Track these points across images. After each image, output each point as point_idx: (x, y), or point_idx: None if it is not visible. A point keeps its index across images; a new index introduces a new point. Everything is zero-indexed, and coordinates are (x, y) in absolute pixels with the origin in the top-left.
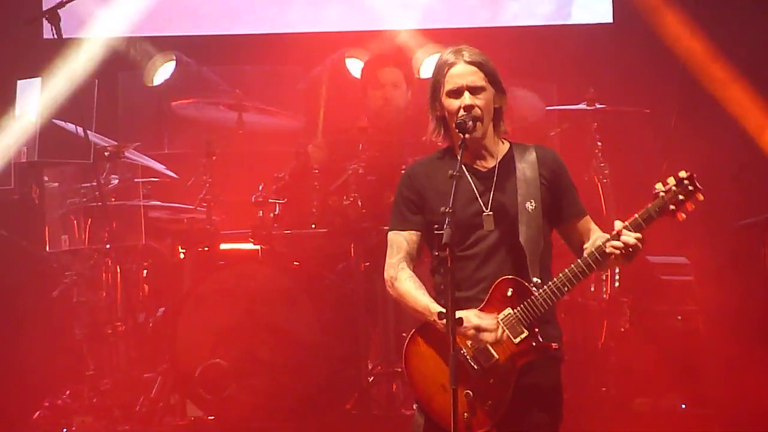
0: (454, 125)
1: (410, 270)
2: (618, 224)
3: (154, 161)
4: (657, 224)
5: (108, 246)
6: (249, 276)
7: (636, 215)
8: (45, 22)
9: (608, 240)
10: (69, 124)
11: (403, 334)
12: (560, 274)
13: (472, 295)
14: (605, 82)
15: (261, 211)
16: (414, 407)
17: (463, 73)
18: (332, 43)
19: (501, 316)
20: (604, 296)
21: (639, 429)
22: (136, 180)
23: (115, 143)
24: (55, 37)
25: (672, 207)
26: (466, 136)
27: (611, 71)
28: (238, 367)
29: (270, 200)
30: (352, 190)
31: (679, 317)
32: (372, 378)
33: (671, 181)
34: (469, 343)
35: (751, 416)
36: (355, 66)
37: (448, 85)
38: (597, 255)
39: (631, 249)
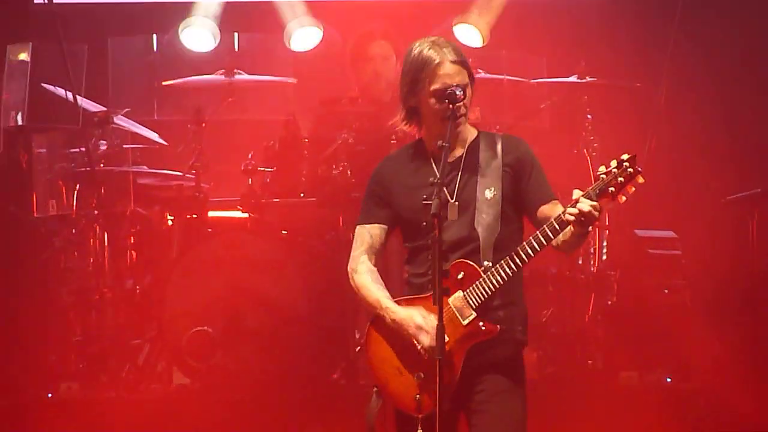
0: (444, 95)
1: (371, 263)
2: (576, 192)
3: (144, 128)
4: (643, 198)
5: (96, 212)
6: (237, 244)
7: (577, 197)
8: None
9: (566, 208)
10: (58, 89)
11: None
12: (512, 252)
13: (425, 271)
14: (596, 56)
15: (250, 180)
16: (374, 390)
17: (451, 73)
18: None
19: (451, 299)
20: (592, 269)
21: (625, 402)
22: (125, 146)
23: (105, 109)
24: (46, 1)
25: (612, 189)
26: (453, 126)
27: (602, 45)
28: (225, 336)
29: (259, 168)
30: (341, 160)
31: (666, 291)
32: (359, 348)
33: (613, 163)
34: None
35: (736, 391)
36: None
37: (436, 84)
38: (555, 224)
39: (584, 217)
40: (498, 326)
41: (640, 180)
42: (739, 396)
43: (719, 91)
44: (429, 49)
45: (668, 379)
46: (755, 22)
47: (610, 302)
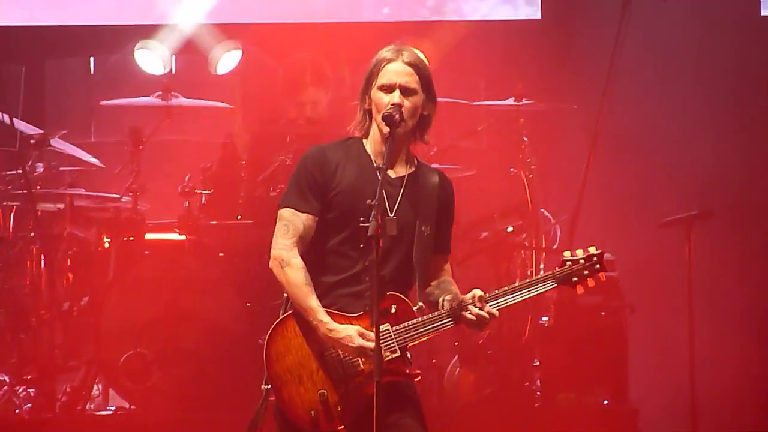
0: (380, 117)
1: (301, 258)
2: (477, 292)
3: (81, 150)
4: (579, 219)
5: (32, 234)
6: (174, 266)
7: (538, 277)
8: None
9: (468, 304)
10: None
11: None
12: (436, 313)
13: (358, 290)
14: (533, 78)
15: (187, 202)
16: (263, 388)
17: (399, 71)
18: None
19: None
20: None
21: (562, 424)
22: (62, 168)
23: (42, 131)
24: None
25: (575, 279)
26: (393, 129)
27: (539, 67)
28: (161, 357)
29: (196, 191)
30: (279, 181)
31: (603, 313)
32: None
33: (580, 253)
34: (340, 350)
35: (674, 412)
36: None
37: (382, 79)
38: (456, 313)
39: (482, 323)
40: (418, 371)
41: (603, 278)
42: (676, 417)
43: (656, 112)
44: (389, 50)
45: (605, 401)
46: (693, 45)
47: (547, 324)
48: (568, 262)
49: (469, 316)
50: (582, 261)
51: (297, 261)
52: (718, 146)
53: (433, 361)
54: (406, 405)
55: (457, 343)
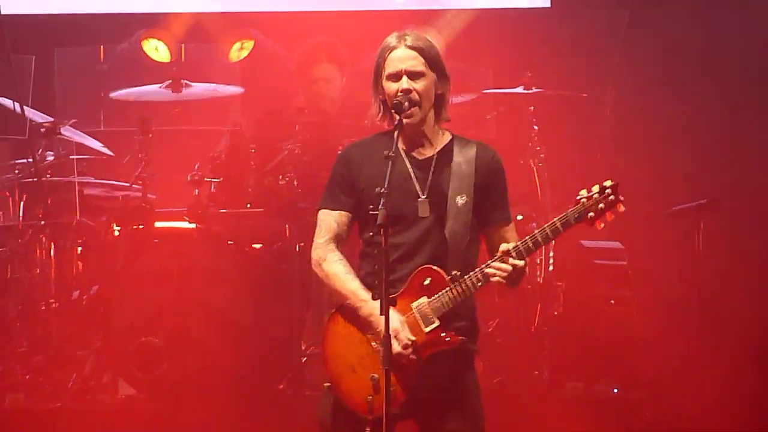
0: (391, 106)
1: (339, 252)
2: (504, 246)
3: (91, 138)
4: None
5: (42, 222)
6: (183, 255)
7: (555, 219)
8: None
9: (489, 262)
10: (5, 99)
11: None
12: (481, 268)
13: (395, 278)
14: (542, 67)
15: (197, 190)
16: (325, 386)
17: (403, 57)
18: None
19: (415, 304)
20: (538, 280)
21: (571, 413)
22: (71, 157)
23: (51, 119)
24: None
25: (591, 214)
26: (403, 118)
27: (549, 56)
28: (170, 346)
29: (206, 179)
30: (288, 170)
31: (613, 302)
32: (305, 359)
33: (595, 188)
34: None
35: (683, 401)
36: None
37: (389, 68)
38: (483, 270)
39: (510, 276)
40: (460, 337)
41: (621, 209)
42: (685, 406)
43: (665, 100)
44: (392, 37)
45: (615, 390)
46: (705, 32)
47: (556, 312)
48: (583, 200)
49: (494, 270)
50: (596, 195)
51: (333, 255)
52: (730, 134)
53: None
54: (466, 407)
55: None
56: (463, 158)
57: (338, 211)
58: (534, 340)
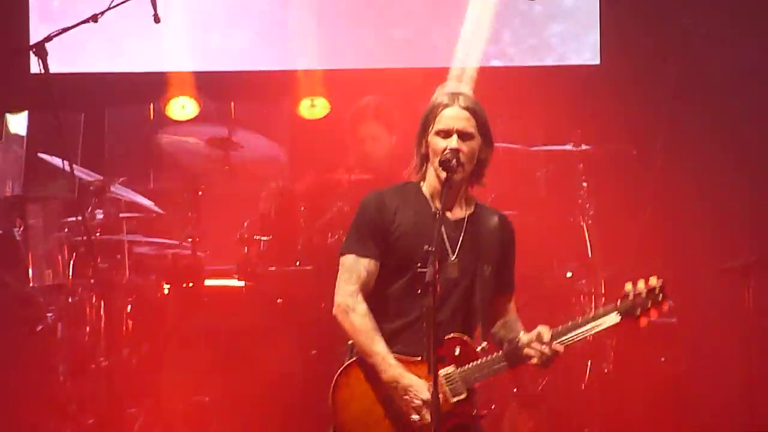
0: (437, 163)
1: (365, 304)
2: (544, 330)
3: (140, 196)
4: (638, 265)
5: (92, 281)
6: (233, 313)
7: (601, 309)
8: (33, 56)
9: (532, 342)
10: (54, 158)
11: None
12: (491, 356)
13: (419, 336)
14: (592, 123)
15: (246, 248)
16: None
17: (456, 116)
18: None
19: (443, 372)
20: (588, 337)
21: None
22: (121, 215)
23: (101, 178)
24: (43, 71)
25: (638, 311)
26: (450, 175)
27: (598, 112)
28: (221, 405)
29: (255, 237)
30: (337, 228)
31: (663, 359)
32: None
33: (641, 285)
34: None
35: None
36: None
37: (439, 124)
38: (520, 352)
39: (551, 359)
40: (485, 412)
41: (666, 307)
42: None
43: (715, 157)
44: (445, 95)
45: None
46: (758, 86)
47: (606, 370)
48: (630, 295)
49: (533, 353)
50: (644, 295)
51: (362, 307)
52: None
53: (492, 407)
54: None
55: (516, 390)
56: (489, 227)
57: (368, 259)
58: (584, 397)
